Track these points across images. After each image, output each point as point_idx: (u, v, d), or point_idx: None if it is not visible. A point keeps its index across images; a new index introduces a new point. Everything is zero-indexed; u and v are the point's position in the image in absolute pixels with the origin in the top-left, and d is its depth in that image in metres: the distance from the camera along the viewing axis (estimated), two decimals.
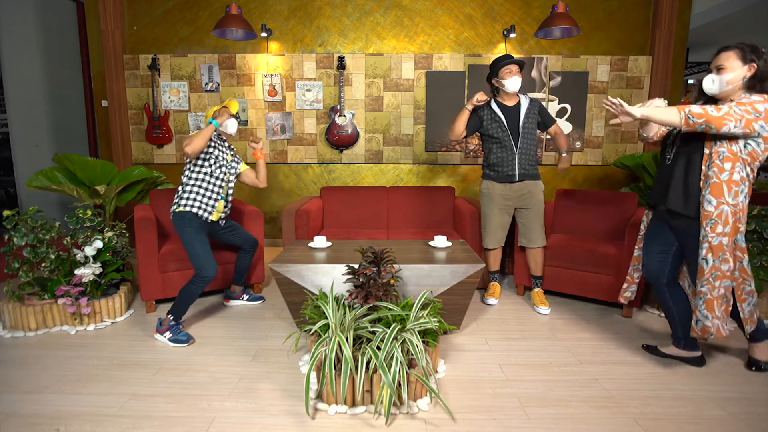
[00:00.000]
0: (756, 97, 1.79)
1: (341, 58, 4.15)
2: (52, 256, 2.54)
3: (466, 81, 4.22)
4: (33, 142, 4.49)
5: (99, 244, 2.62)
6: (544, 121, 2.84)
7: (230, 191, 2.65)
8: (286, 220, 3.18)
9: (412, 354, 1.77)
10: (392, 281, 2.03)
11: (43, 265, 2.56)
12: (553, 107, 4.24)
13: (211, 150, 2.52)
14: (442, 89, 4.22)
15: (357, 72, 4.23)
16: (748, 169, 1.85)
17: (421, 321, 1.84)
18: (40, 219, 2.58)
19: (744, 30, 5.71)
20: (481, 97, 2.66)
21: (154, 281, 2.75)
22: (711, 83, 1.90)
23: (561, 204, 3.28)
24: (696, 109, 1.77)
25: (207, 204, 2.51)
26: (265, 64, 4.22)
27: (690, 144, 1.95)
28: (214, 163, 2.53)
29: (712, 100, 1.96)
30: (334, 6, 4.19)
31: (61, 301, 2.48)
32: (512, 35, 4.12)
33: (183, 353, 2.26)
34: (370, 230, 3.51)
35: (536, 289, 2.93)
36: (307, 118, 4.31)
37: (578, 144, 4.31)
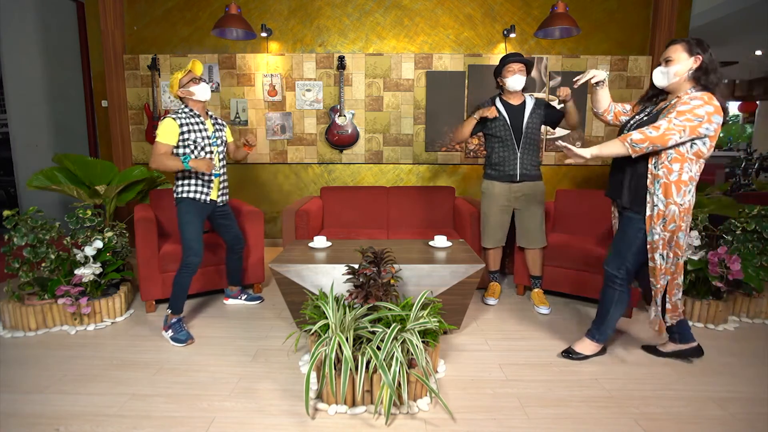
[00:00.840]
0: (695, 102, 1.82)
1: (341, 58, 4.15)
2: (52, 256, 2.54)
3: (466, 81, 4.22)
4: (33, 142, 4.49)
5: (99, 244, 2.62)
6: (553, 115, 2.79)
7: (222, 163, 2.58)
8: (286, 220, 3.18)
9: (412, 354, 1.77)
10: (392, 281, 2.03)
11: (43, 265, 2.56)
12: None
13: (186, 136, 2.38)
14: (442, 89, 4.22)
15: (357, 72, 4.23)
16: (696, 167, 1.91)
17: (421, 321, 1.84)
18: (40, 219, 2.58)
19: (744, 30, 5.72)
20: (489, 114, 2.65)
21: (154, 281, 2.75)
22: (660, 75, 1.96)
23: (561, 204, 3.28)
24: (636, 135, 1.83)
25: (202, 186, 2.48)
26: (265, 64, 4.22)
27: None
28: (195, 148, 2.41)
29: (662, 92, 2.03)
30: (334, 6, 4.19)
31: (61, 301, 2.48)
32: (512, 35, 4.11)
33: (183, 353, 2.26)
34: (370, 230, 3.51)
35: (536, 290, 2.94)
36: (307, 118, 4.31)
37: (578, 144, 4.31)
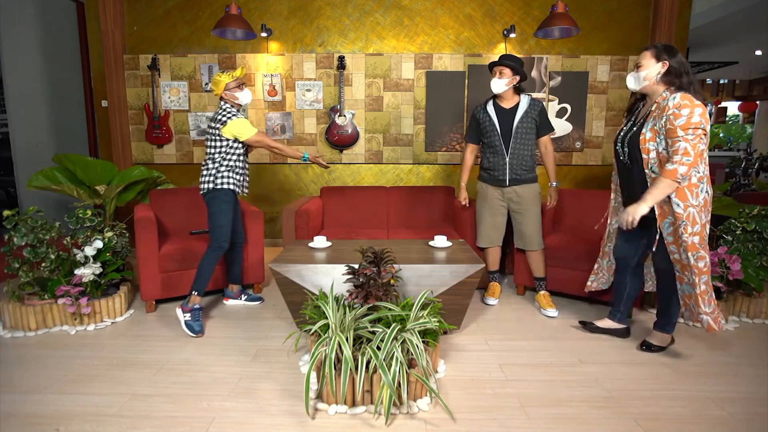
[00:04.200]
0: (684, 110, 1.88)
1: (341, 58, 4.15)
2: (52, 256, 2.54)
3: (466, 81, 4.22)
4: (33, 142, 4.48)
5: (99, 244, 2.62)
6: (540, 126, 2.74)
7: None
8: (286, 220, 3.18)
9: (412, 354, 1.77)
10: (392, 281, 2.03)
11: (43, 265, 2.55)
12: (553, 107, 4.24)
13: None
14: (442, 89, 4.22)
15: (357, 72, 4.23)
16: (702, 167, 1.96)
17: (421, 321, 1.84)
18: (40, 219, 2.58)
19: (744, 30, 5.72)
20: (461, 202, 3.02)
21: (154, 281, 2.75)
22: (632, 80, 2.08)
23: (561, 204, 3.28)
24: (682, 169, 1.88)
25: (242, 182, 2.66)
26: (265, 64, 4.22)
27: (634, 151, 2.10)
28: (242, 145, 2.61)
29: (644, 98, 2.14)
30: (334, 6, 4.19)
31: (61, 301, 2.48)
32: (512, 35, 4.11)
33: (183, 353, 2.26)
34: (370, 230, 3.51)
35: (542, 292, 2.89)
36: (307, 118, 4.31)
37: (578, 144, 4.31)
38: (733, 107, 11.03)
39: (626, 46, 4.21)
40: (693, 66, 7.22)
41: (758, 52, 7.00)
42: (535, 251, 2.86)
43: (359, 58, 4.21)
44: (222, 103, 2.59)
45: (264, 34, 4.11)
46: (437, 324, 1.87)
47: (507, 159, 2.73)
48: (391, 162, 4.37)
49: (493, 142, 2.75)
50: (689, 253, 1.99)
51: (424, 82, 4.23)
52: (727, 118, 11.28)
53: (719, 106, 10.31)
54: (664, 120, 1.94)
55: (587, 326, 2.49)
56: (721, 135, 13.49)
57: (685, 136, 1.87)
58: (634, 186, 2.14)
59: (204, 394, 1.88)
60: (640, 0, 4.15)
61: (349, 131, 4.27)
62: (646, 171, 2.05)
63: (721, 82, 9.54)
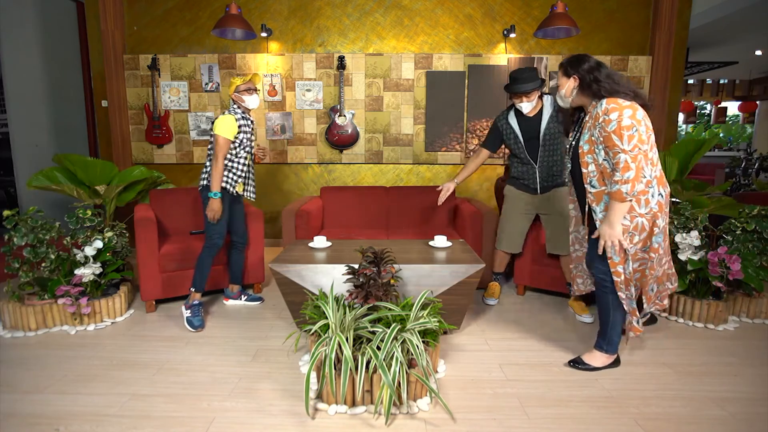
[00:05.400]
0: (613, 115, 1.77)
1: (341, 58, 4.15)
2: (52, 256, 2.54)
3: (466, 81, 4.22)
4: (33, 142, 4.48)
5: (99, 244, 2.62)
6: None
7: (252, 160, 2.78)
8: (286, 220, 3.18)
9: (412, 354, 1.77)
10: (392, 281, 2.03)
11: (43, 265, 2.55)
12: None
13: (240, 135, 2.58)
14: (442, 89, 4.22)
15: (357, 72, 4.23)
16: (648, 169, 1.83)
17: (421, 321, 1.84)
18: (40, 219, 2.58)
19: (744, 30, 5.72)
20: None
21: (154, 281, 2.75)
22: (560, 101, 2.09)
23: None
24: (624, 187, 1.75)
25: (234, 180, 2.65)
26: (265, 64, 4.22)
27: (576, 164, 2.03)
28: (239, 146, 2.61)
29: (580, 108, 2.08)
30: (334, 6, 4.19)
31: (61, 301, 2.48)
32: (512, 35, 4.11)
33: (183, 353, 2.26)
34: (370, 230, 3.51)
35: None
36: (307, 118, 4.31)
37: None
38: (733, 107, 11.04)
39: (626, 46, 4.21)
40: (693, 66, 7.21)
41: (758, 52, 7.00)
42: (568, 256, 2.71)
43: (359, 58, 4.21)
44: (231, 102, 2.65)
45: (264, 34, 4.11)
46: (437, 324, 1.87)
47: (537, 168, 2.69)
48: (391, 162, 4.37)
49: (519, 154, 2.71)
50: (632, 264, 1.92)
51: (424, 82, 4.23)
52: (727, 118, 11.27)
53: (719, 106, 10.31)
54: (598, 129, 1.83)
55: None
56: (721, 135, 13.49)
57: (622, 146, 1.75)
58: (581, 199, 2.09)
59: (204, 394, 1.88)
60: (640, 0, 4.15)
61: (349, 131, 4.27)
62: (586, 186, 1.96)
63: (721, 82, 9.54)
